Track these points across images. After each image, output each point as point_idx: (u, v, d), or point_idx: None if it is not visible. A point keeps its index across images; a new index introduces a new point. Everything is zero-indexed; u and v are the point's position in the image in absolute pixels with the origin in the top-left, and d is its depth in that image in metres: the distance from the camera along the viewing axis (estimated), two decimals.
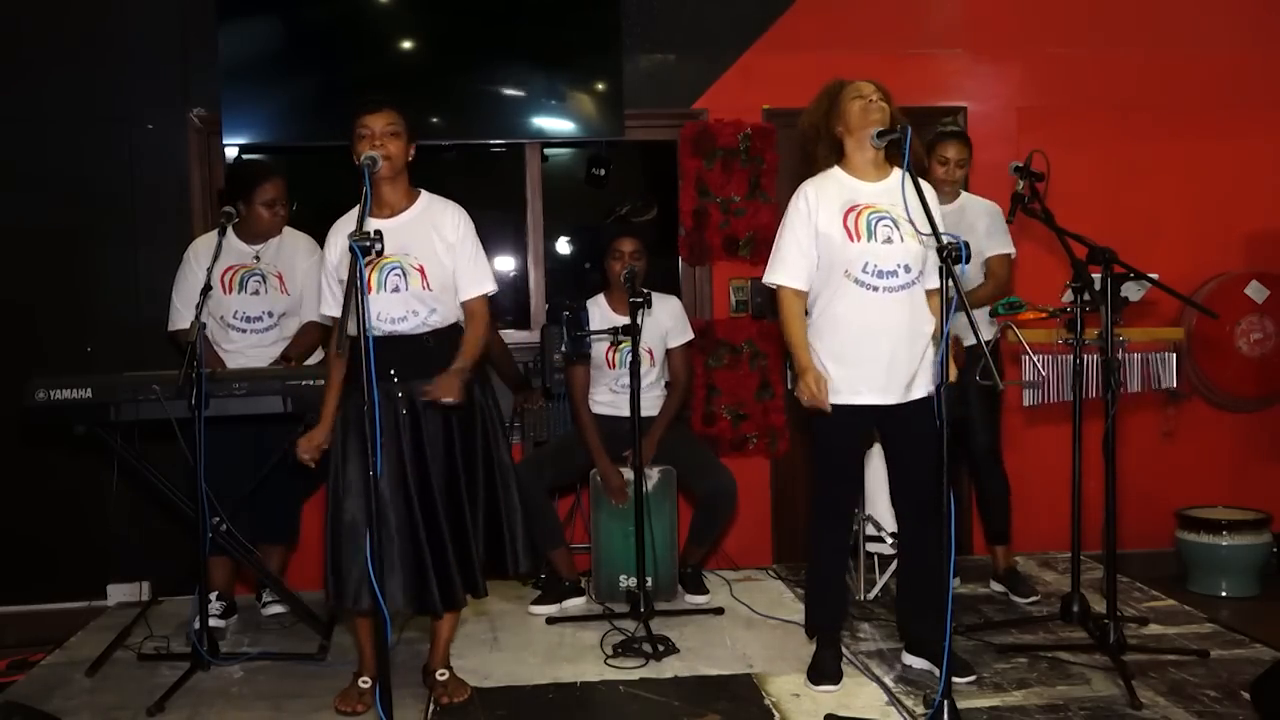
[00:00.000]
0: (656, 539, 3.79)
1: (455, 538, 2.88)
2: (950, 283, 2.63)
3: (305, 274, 3.71)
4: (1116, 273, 3.14)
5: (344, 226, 2.95)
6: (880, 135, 2.95)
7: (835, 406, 3.01)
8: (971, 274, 3.71)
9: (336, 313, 2.90)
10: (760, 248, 4.59)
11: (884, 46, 4.39)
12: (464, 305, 2.99)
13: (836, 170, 3.10)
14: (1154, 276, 3.25)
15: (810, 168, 3.16)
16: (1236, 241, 4.89)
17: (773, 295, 3.17)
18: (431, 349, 2.91)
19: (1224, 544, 4.54)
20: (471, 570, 2.91)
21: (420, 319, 2.90)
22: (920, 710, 2.93)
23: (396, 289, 2.87)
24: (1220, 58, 4.82)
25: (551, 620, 3.77)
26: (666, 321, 3.96)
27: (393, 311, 2.88)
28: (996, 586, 3.98)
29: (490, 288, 3.01)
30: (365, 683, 3.01)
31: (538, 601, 3.92)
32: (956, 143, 3.78)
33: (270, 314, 3.73)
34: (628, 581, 3.85)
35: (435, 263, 2.91)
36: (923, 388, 3.01)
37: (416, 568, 2.85)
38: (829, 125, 3.06)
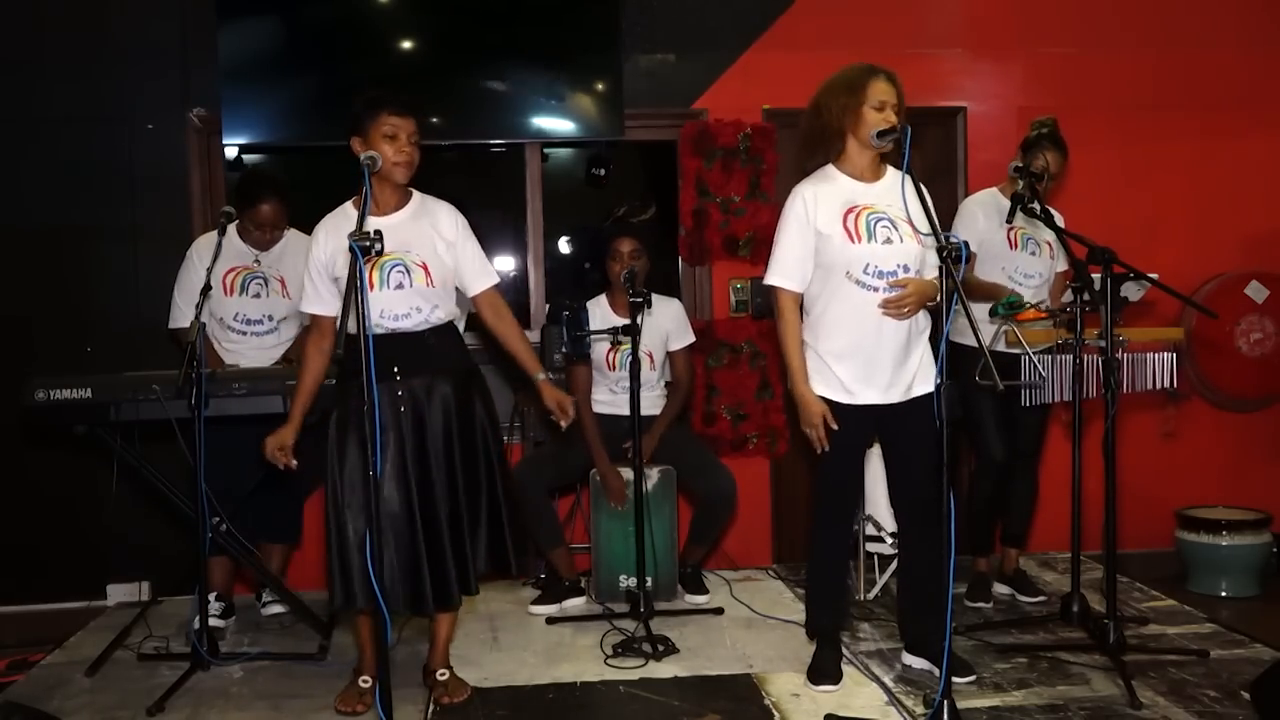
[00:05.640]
0: (656, 539, 3.79)
1: (454, 537, 2.88)
2: (950, 283, 2.64)
3: None
4: (1116, 273, 3.14)
5: (332, 223, 2.95)
6: (881, 135, 2.94)
7: (837, 405, 3.01)
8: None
9: (321, 310, 2.94)
10: (760, 248, 4.59)
11: (884, 46, 4.37)
12: (478, 300, 3.04)
13: (832, 169, 3.07)
14: (1154, 276, 3.25)
15: (810, 155, 3.11)
16: (1236, 241, 4.88)
17: (769, 294, 3.16)
18: (432, 346, 2.93)
19: (1224, 544, 4.54)
20: (466, 569, 2.91)
21: (423, 316, 2.90)
22: (920, 710, 2.93)
23: (400, 285, 2.87)
24: (1220, 58, 4.82)
25: (551, 620, 3.77)
26: (668, 324, 3.96)
27: (396, 309, 2.88)
28: (1002, 588, 3.96)
29: (496, 279, 3.07)
30: (365, 682, 3.01)
31: (538, 601, 3.92)
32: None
33: (270, 317, 3.73)
34: (628, 581, 3.85)
35: (437, 260, 2.91)
36: (923, 385, 3.01)
37: (413, 568, 2.86)
38: (842, 122, 3.01)
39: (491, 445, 2.99)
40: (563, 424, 3.03)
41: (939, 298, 2.88)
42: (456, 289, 3.02)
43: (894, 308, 2.95)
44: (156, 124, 4.41)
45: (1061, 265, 3.76)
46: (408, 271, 2.87)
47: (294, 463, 2.89)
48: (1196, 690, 3.03)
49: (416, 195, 3.01)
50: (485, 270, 3.04)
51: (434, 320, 2.93)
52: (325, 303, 2.94)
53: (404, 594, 2.86)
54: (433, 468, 2.88)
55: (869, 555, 3.97)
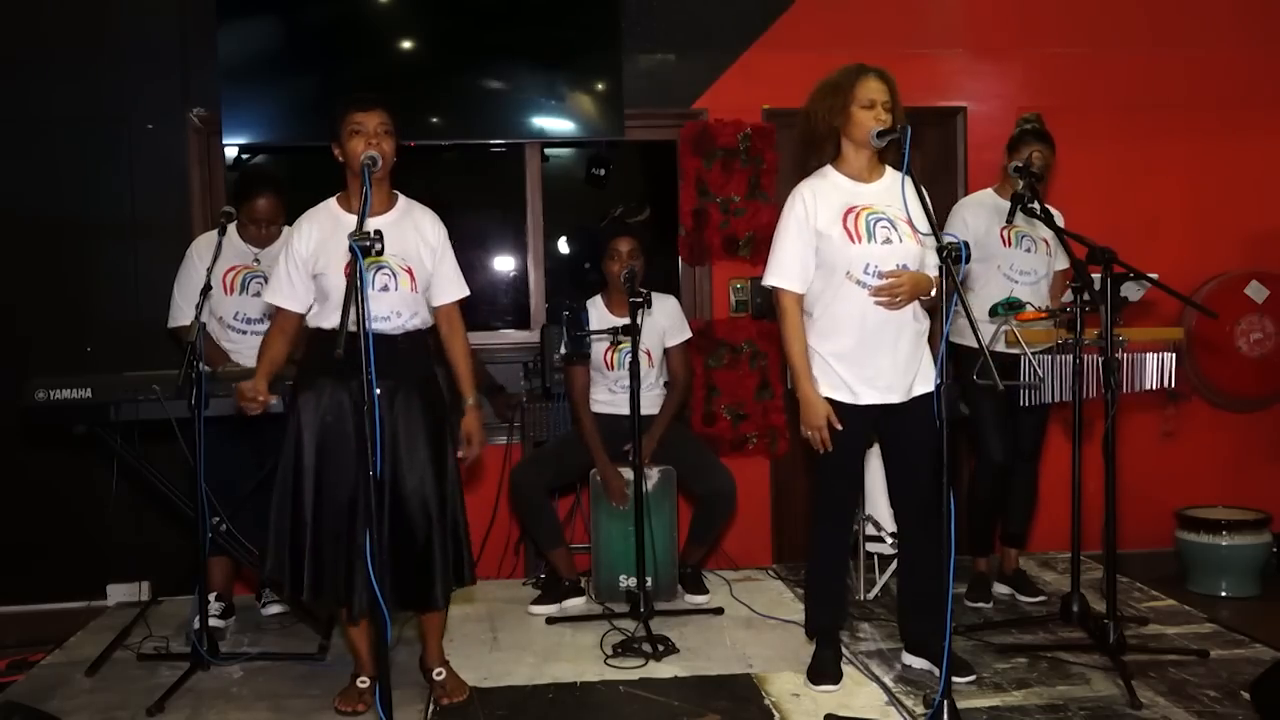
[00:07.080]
0: (656, 539, 3.79)
1: (428, 538, 2.87)
2: (950, 283, 2.63)
3: None
4: (1116, 273, 3.13)
5: (316, 218, 2.94)
6: (880, 135, 2.94)
7: (841, 405, 3.01)
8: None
9: (290, 305, 2.93)
10: (760, 248, 4.59)
11: (884, 46, 4.39)
12: (442, 310, 3.01)
13: (830, 170, 3.08)
14: (1154, 276, 3.25)
15: (807, 159, 3.13)
16: (1236, 241, 4.89)
17: (770, 295, 3.16)
18: (403, 350, 2.91)
19: (1224, 544, 4.54)
20: (433, 572, 2.89)
21: (403, 320, 2.90)
22: (920, 710, 2.93)
23: (386, 288, 2.86)
24: (1220, 58, 4.82)
25: (551, 620, 3.77)
26: (664, 321, 3.96)
27: (378, 311, 2.84)
28: (1002, 588, 3.96)
29: (467, 292, 3.06)
30: (364, 682, 3.01)
31: (538, 601, 3.92)
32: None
33: (271, 316, 3.72)
34: (628, 581, 3.85)
35: (420, 266, 2.92)
36: (923, 385, 3.02)
37: (350, 565, 2.82)
38: (832, 124, 3.02)
39: (447, 458, 2.95)
40: (461, 454, 2.97)
41: (934, 293, 2.89)
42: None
43: (886, 296, 2.94)
44: (156, 124, 4.41)
45: (1060, 264, 3.76)
46: (394, 275, 2.86)
47: (270, 399, 2.91)
48: (1196, 690, 3.03)
49: (402, 199, 3.01)
50: (457, 282, 3.04)
51: (411, 326, 2.93)
52: (297, 297, 2.92)
53: (338, 589, 2.84)
54: (401, 471, 2.85)
55: (869, 555, 3.97)
